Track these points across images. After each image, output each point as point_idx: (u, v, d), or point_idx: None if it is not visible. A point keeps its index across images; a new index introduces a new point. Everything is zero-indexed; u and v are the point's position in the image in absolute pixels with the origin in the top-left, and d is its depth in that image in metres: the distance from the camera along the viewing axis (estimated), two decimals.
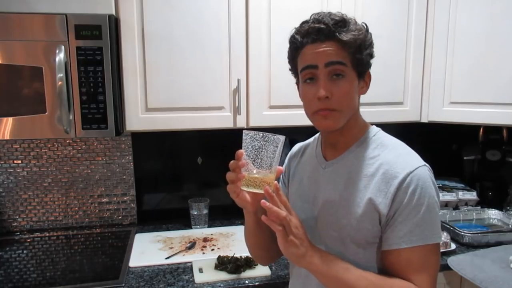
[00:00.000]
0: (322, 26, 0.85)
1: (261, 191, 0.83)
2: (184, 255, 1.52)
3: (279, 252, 0.93)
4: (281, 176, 1.12)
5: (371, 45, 0.90)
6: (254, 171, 0.84)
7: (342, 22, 0.86)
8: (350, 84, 0.87)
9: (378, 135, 0.94)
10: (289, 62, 0.95)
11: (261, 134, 0.84)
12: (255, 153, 0.84)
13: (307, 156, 1.05)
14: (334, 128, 0.89)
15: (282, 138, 0.85)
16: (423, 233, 0.83)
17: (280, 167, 0.88)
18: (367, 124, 0.96)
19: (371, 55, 0.90)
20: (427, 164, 0.87)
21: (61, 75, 1.30)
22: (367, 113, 0.99)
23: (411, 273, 0.83)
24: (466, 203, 1.94)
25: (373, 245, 0.88)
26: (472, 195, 1.95)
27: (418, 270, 0.83)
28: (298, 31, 0.89)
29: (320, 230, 0.94)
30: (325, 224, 0.93)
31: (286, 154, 1.16)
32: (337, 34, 0.84)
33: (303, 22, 0.89)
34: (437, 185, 0.87)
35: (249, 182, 0.84)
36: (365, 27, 0.90)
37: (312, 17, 0.88)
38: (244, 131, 0.85)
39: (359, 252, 0.88)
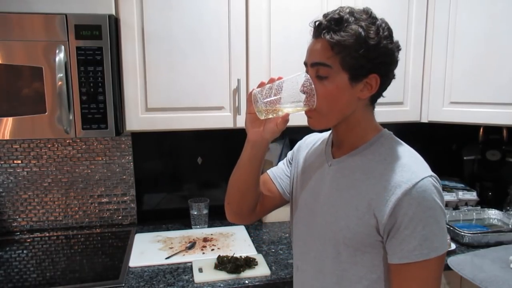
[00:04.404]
0: (322, 21, 0.84)
1: (261, 116, 0.86)
2: (184, 255, 1.52)
3: (251, 212, 1.05)
4: (286, 158, 1.14)
5: (373, 49, 0.81)
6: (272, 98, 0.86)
7: (337, 21, 0.82)
8: (335, 85, 0.84)
9: (387, 140, 0.91)
10: None
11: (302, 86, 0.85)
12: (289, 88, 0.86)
13: (318, 148, 1.04)
14: (316, 128, 0.91)
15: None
16: (433, 244, 0.80)
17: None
18: (378, 128, 0.94)
19: (373, 60, 0.82)
20: (433, 174, 0.84)
21: (61, 75, 1.30)
22: None
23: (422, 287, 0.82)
24: (466, 203, 1.94)
25: (372, 251, 0.86)
26: (472, 195, 1.94)
27: (427, 283, 0.82)
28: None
29: (318, 228, 0.94)
30: (324, 222, 0.92)
31: (286, 155, 1.16)
32: (324, 32, 0.83)
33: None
34: (442, 194, 0.84)
35: (265, 107, 0.86)
36: (371, 29, 0.81)
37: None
38: (306, 73, 0.86)
39: (357, 255, 0.87)
